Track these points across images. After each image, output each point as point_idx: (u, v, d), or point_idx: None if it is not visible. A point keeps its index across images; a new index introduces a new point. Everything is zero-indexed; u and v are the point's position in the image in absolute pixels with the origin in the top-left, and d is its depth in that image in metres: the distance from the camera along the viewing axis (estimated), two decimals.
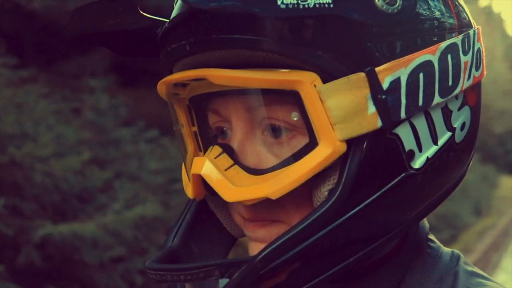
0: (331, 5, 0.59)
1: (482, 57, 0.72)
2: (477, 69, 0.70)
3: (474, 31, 0.71)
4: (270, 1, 0.59)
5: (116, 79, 7.96)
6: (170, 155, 6.99)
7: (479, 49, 0.71)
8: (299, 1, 0.59)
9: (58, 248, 4.99)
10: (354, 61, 0.61)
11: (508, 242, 12.66)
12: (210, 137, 0.72)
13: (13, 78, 5.72)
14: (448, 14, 0.68)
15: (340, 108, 0.60)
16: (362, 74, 0.60)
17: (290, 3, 0.58)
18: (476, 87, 0.71)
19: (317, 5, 0.59)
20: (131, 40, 0.69)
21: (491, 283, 0.74)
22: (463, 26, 0.70)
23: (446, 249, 0.80)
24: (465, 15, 0.72)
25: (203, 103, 0.71)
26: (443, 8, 0.67)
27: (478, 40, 0.72)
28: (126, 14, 0.63)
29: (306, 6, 0.59)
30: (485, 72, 0.73)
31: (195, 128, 0.74)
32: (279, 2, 0.58)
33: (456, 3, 0.71)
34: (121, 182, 5.87)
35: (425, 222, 0.80)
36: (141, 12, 0.64)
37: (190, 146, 0.74)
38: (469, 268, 0.77)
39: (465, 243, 12.63)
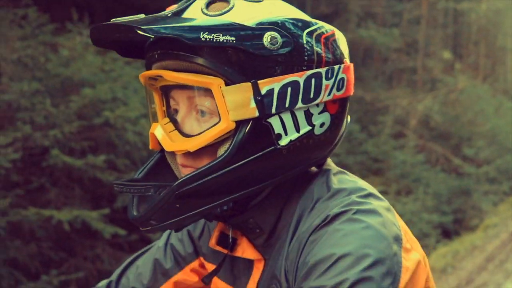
0: (234, 41, 0.92)
1: (345, 83, 1.04)
2: (338, 90, 1.02)
3: (340, 66, 1.03)
4: (196, 34, 0.91)
5: None
6: None
7: (342, 78, 1.03)
8: (214, 37, 0.92)
9: None
10: (245, 74, 0.94)
11: None
12: (171, 114, 1.06)
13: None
14: (317, 56, 1.00)
15: (233, 101, 0.94)
16: (249, 83, 0.94)
17: (208, 37, 0.91)
18: (338, 101, 1.03)
19: (224, 40, 0.92)
20: (129, 47, 1.05)
21: (351, 182, 1.05)
22: (331, 62, 1.02)
23: (316, 170, 1.10)
24: (339, 54, 1.04)
25: (167, 92, 1.05)
26: (315, 49, 0.99)
27: (344, 71, 1.03)
28: (126, 32, 1.01)
29: (218, 40, 0.92)
30: (350, 92, 1.06)
31: (164, 108, 1.08)
32: (201, 36, 0.91)
33: (333, 45, 1.03)
34: None
35: None
36: (137, 31, 0.99)
37: (160, 118, 1.08)
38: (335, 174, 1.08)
39: None
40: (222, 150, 0.97)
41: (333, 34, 1.05)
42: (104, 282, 1.34)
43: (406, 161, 10.18)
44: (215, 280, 1.18)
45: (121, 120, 5.46)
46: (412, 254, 0.94)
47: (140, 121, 5.61)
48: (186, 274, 1.27)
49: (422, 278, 0.95)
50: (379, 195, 1.05)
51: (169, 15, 0.97)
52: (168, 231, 1.30)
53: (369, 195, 1.02)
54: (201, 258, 1.25)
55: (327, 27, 1.05)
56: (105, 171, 5.38)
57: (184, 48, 0.94)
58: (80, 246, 5.55)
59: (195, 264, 1.26)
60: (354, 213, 0.95)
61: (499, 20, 23.52)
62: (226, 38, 0.92)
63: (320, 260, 0.90)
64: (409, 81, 15.79)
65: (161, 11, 1.02)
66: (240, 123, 0.96)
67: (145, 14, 1.00)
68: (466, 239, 8.90)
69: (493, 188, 11.91)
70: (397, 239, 0.94)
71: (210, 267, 1.20)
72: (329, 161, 1.13)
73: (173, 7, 1.00)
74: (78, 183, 5.52)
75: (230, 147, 0.95)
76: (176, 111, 1.04)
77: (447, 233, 9.52)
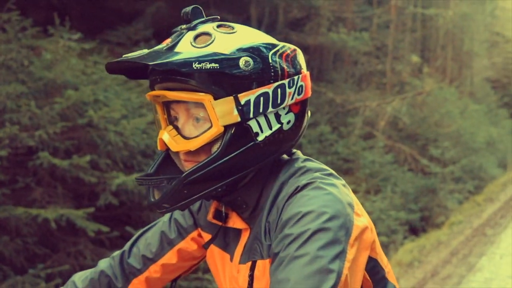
0: (218, 67, 1.20)
1: (304, 89, 1.33)
2: (299, 95, 1.31)
3: (299, 76, 1.32)
4: (189, 65, 1.18)
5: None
6: None
7: (301, 85, 1.32)
8: (203, 65, 1.19)
9: (128, 196, 5.84)
10: (229, 90, 1.22)
11: None
12: (172, 121, 1.34)
13: (77, 50, 6.41)
14: (281, 71, 1.28)
15: (221, 111, 1.21)
16: (232, 97, 1.22)
17: (198, 66, 1.19)
18: (299, 103, 1.32)
19: (211, 67, 1.19)
20: (136, 72, 1.33)
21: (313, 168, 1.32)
22: (292, 74, 1.30)
23: (286, 157, 1.39)
24: (298, 67, 1.33)
25: (168, 105, 1.34)
26: (279, 66, 1.28)
27: (302, 80, 1.32)
28: (134, 63, 1.22)
29: (206, 67, 1.19)
30: (308, 94, 1.34)
31: (165, 116, 1.36)
32: (193, 66, 1.19)
33: (293, 59, 1.32)
34: None
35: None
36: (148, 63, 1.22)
37: (163, 125, 1.36)
38: (302, 163, 1.36)
39: (489, 193, 13.19)
40: (215, 148, 1.26)
41: (292, 51, 1.34)
42: (117, 252, 1.61)
43: (375, 161, 10.49)
44: (211, 246, 1.47)
45: (103, 121, 5.66)
46: (362, 218, 1.24)
47: (122, 122, 5.82)
48: (187, 243, 1.55)
49: (369, 239, 1.24)
50: (337, 175, 1.34)
51: (165, 49, 1.25)
52: None
53: (330, 174, 1.32)
54: (199, 229, 1.53)
55: (288, 46, 1.34)
56: (88, 171, 5.58)
57: (181, 74, 1.22)
58: (63, 242, 5.73)
59: (194, 234, 1.55)
60: (318, 184, 1.25)
61: (466, 25, 24.05)
62: (211, 65, 1.21)
63: (290, 216, 1.20)
64: (378, 84, 16.17)
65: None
66: (227, 127, 1.24)
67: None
68: (432, 236, 9.26)
69: (458, 187, 12.33)
70: (350, 205, 1.23)
71: (206, 236, 1.49)
72: (298, 152, 1.42)
73: (168, 41, 1.28)
74: (61, 182, 5.70)
75: (221, 145, 1.24)
76: (176, 118, 1.32)
77: (414, 230, 9.83)
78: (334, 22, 14.16)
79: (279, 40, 1.37)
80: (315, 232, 1.15)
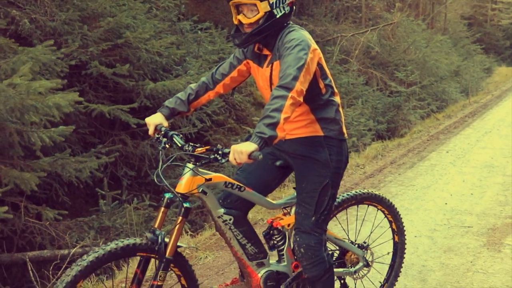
0: None
1: None
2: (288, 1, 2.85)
3: None
4: None
5: None
6: (217, 41, 9.47)
7: None
8: None
9: (155, 101, 7.51)
10: None
11: (484, 112, 14.94)
12: (239, 12, 2.84)
13: None
14: None
15: (263, 6, 2.76)
16: (266, 1, 2.75)
17: None
18: (291, 2, 2.87)
19: None
20: None
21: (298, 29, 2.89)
22: None
23: (286, 24, 2.90)
24: None
25: (238, 6, 2.84)
26: None
27: None
28: None
29: None
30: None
31: (235, 11, 2.86)
32: None
33: None
34: (189, 59, 8.36)
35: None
36: None
37: (235, 15, 2.87)
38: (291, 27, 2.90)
39: (449, 112, 14.91)
40: (261, 21, 2.81)
41: None
42: (209, 72, 3.27)
43: (349, 82, 12.06)
44: (253, 64, 3.10)
45: (136, 40, 7.28)
46: (314, 45, 2.86)
47: (150, 42, 7.45)
48: (242, 66, 3.17)
49: (317, 54, 2.85)
50: (305, 30, 2.96)
51: None
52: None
53: (303, 28, 2.93)
54: (247, 59, 3.15)
55: None
56: (127, 78, 7.24)
57: None
58: (106, 135, 7.44)
59: (245, 61, 3.16)
60: (297, 30, 2.84)
61: None
62: None
63: (286, 41, 2.76)
64: (354, 18, 17.67)
65: None
66: (265, 12, 2.79)
67: None
68: (395, 140, 11.04)
69: (421, 103, 14.04)
70: (310, 39, 2.77)
71: (251, 61, 3.11)
72: (291, 22, 3.03)
73: None
74: (104, 88, 7.37)
75: (263, 20, 2.80)
76: (242, 11, 2.83)
77: (381, 138, 11.56)
78: None
79: None
80: (296, 45, 2.70)
